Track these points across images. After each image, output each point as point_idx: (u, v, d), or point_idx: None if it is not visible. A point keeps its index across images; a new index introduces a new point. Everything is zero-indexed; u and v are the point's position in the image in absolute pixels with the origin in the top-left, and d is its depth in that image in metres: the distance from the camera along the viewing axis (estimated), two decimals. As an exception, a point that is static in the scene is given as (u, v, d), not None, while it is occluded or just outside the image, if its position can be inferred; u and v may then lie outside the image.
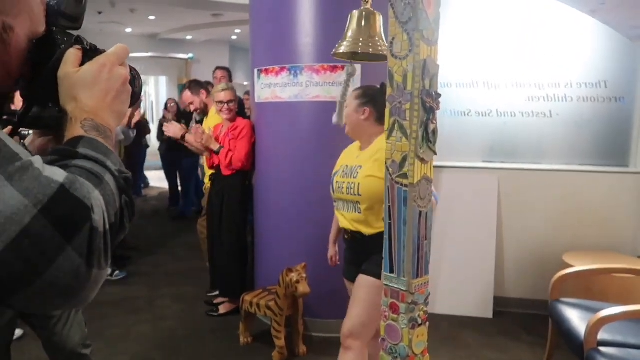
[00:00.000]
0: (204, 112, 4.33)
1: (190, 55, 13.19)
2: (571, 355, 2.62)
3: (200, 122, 4.26)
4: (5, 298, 0.52)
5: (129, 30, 11.67)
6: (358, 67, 2.80)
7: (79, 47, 0.70)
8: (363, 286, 2.07)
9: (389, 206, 1.29)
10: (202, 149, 3.58)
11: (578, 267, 2.87)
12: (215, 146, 3.46)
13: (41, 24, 0.69)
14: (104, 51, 0.72)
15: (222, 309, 3.57)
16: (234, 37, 12.65)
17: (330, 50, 3.02)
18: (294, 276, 2.77)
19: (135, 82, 0.76)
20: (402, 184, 1.25)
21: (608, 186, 3.53)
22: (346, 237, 2.19)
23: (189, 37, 12.91)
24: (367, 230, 2.07)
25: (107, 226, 0.57)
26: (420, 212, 1.28)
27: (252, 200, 3.66)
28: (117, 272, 4.27)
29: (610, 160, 3.62)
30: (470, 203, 3.58)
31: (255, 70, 3.30)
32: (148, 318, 3.45)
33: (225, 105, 3.45)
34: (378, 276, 1.91)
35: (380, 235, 1.88)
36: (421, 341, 1.33)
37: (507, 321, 3.49)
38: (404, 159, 1.24)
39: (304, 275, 2.78)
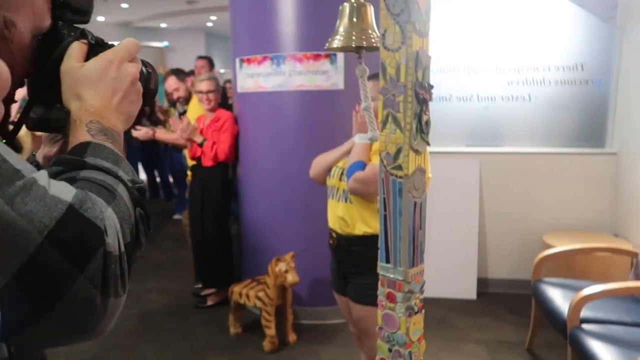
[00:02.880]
0: (187, 101, 4.28)
1: (165, 43, 12.94)
2: (553, 333, 2.72)
3: (184, 113, 4.21)
4: (11, 336, 0.47)
5: (101, 18, 11.36)
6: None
7: (85, 40, 0.64)
8: (365, 317, 1.94)
9: (384, 198, 1.30)
10: (183, 142, 3.54)
11: (559, 248, 2.96)
12: (199, 139, 3.43)
13: (46, 18, 0.61)
14: (112, 46, 0.65)
15: (210, 301, 3.57)
16: (209, 24, 12.44)
17: (313, 38, 3.03)
18: (282, 266, 2.79)
19: (150, 80, 0.70)
20: (396, 176, 1.27)
21: (585, 167, 3.62)
22: (331, 242, 2.09)
23: (163, 25, 12.65)
24: (352, 230, 1.95)
25: (123, 248, 0.51)
26: (415, 203, 1.29)
27: (235, 191, 3.65)
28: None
29: (587, 142, 3.71)
30: (452, 187, 3.63)
31: (237, 60, 3.26)
32: (136, 312, 3.44)
33: (205, 95, 3.41)
34: (375, 304, 1.80)
35: (366, 241, 1.87)
36: (417, 328, 1.36)
37: (490, 302, 3.59)
38: (399, 151, 1.25)
39: (293, 265, 2.80)
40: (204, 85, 3.40)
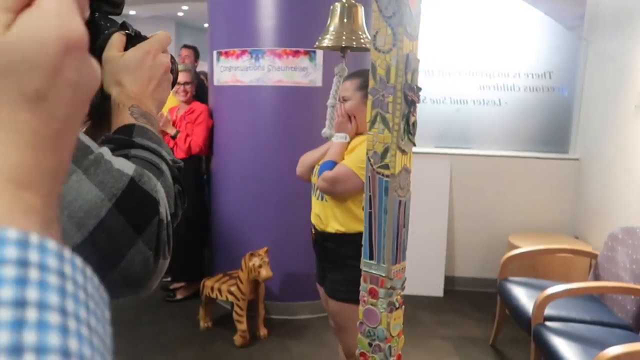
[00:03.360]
0: None
1: (133, 31, 12.61)
2: (516, 329, 2.83)
3: None
4: None
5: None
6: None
7: (124, 32, 0.69)
8: (339, 313, 1.97)
9: (370, 195, 1.34)
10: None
11: (525, 248, 3.07)
12: (172, 130, 3.38)
13: (86, 9, 0.68)
14: (147, 38, 0.71)
15: (179, 295, 3.53)
16: (180, 14, 12.19)
17: (292, 34, 3.03)
18: (256, 260, 2.79)
19: (173, 70, 0.76)
20: (383, 174, 1.30)
21: (549, 171, 3.77)
22: (312, 236, 2.09)
23: (132, 12, 12.32)
24: (325, 227, 1.95)
25: (169, 217, 0.58)
26: (400, 201, 1.33)
27: (208, 186, 3.62)
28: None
29: (552, 147, 3.86)
30: (423, 187, 3.70)
31: (215, 52, 3.23)
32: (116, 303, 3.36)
33: (182, 87, 3.37)
34: (347, 300, 1.85)
35: (339, 239, 1.89)
36: (397, 324, 1.40)
37: (457, 299, 3.69)
38: (386, 150, 1.29)
39: (267, 260, 2.81)
40: (181, 77, 3.35)
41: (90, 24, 0.68)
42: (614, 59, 3.31)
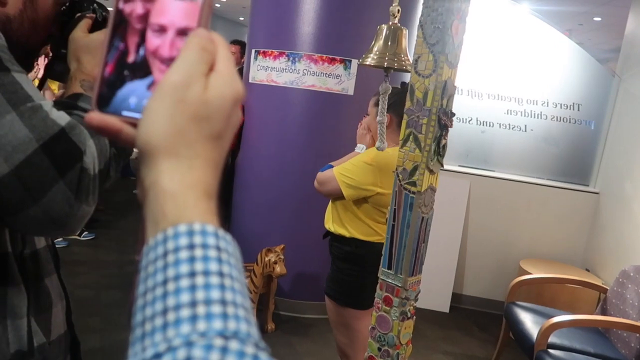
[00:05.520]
0: None
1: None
2: (518, 354, 2.87)
3: None
4: (5, 217, 0.61)
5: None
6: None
7: (92, 15, 0.79)
8: (328, 306, 2.09)
9: (395, 209, 1.41)
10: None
11: (535, 274, 3.11)
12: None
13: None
14: None
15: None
16: (217, 5, 12.39)
17: (330, 42, 3.12)
18: (272, 256, 2.87)
19: None
20: (410, 191, 1.37)
21: (567, 202, 3.79)
22: None
23: None
24: (327, 224, 2.07)
25: (96, 171, 0.65)
26: (423, 218, 1.41)
27: (232, 179, 3.72)
28: (85, 232, 4.24)
29: (573, 178, 3.89)
30: (441, 203, 3.73)
31: (253, 51, 3.33)
32: (118, 283, 3.49)
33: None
34: (333, 298, 2.02)
35: (339, 240, 1.99)
36: (408, 332, 1.48)
37: (462, 317, 3.73)
38: (415, 168, 1.36)
39: (282, 257, 2.89)
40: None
41: (73, 4, 0.79)
42: (645, 98, 3.34)
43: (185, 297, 0.29)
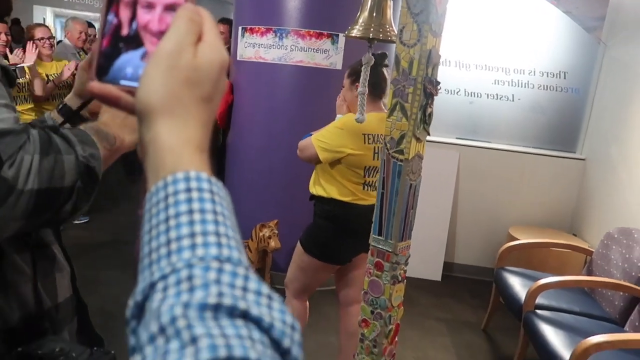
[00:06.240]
0: None
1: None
2: (508, 317, 2.97)
3: None
4: None
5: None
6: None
7: None
8: (296, 250, 2.33)
9: (384, 177, 1.45)
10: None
11: (523, 240, 3.19)
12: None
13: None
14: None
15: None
16: (201, -17, 12.18)
17: (318, 16, 3.11)
18: (266, 231, 2.93)
19: None
20: (397, 159, 1.42)
21: (555, 169, 3.86)
22: None
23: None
24: (310, 188, 2.27)
25: (27, 187, 0.64)
26: (411, 185, 1.45)
27: (224, 157, 3.74)
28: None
29: (560, 145, 3.95)
30: (431, 174, 3.80)
31: (240, 28, 3.32)
32: (116, 264, 3.53)
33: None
34: (302, 243, 2.25)
35: (319, 200, 2.18)
36: (399, 295, 1.54)
37: (454, 285, 3.83)
38: (402, 137, 1.40)
39: (276, 232, 2.95)
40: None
41: None
42: (630, 64, 3.38)
43: (185, 230, 0.34)
